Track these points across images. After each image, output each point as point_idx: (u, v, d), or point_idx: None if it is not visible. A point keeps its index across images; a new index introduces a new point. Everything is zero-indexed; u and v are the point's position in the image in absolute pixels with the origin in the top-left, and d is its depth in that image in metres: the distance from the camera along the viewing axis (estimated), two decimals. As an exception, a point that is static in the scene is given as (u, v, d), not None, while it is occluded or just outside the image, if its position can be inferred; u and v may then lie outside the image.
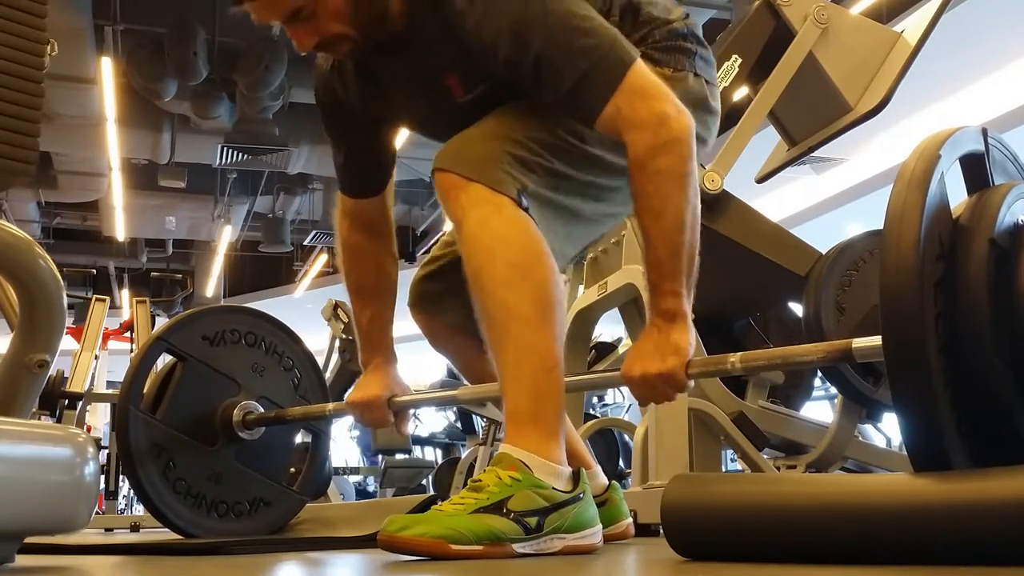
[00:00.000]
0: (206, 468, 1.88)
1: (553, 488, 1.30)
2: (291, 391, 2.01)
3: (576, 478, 1.35)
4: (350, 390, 1.73)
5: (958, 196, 1.11)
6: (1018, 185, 1.10)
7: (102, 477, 5.04)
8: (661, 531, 1.63)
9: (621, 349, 3.86)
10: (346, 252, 1.75)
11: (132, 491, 1.84)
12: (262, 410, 1.93)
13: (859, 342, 1.12)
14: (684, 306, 1.36)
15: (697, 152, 1.40)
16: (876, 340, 1.02)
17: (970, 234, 1.02)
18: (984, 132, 1.13)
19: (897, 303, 0.94)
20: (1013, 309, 0.99)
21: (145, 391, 1.90)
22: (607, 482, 1.67)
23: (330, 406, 1.85)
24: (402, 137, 8.89)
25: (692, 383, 1.36)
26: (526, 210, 1.38)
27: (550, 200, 1.43)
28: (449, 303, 1.67)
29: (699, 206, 1.38)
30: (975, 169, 1.12)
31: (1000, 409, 1.00)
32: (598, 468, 1.68)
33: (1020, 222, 1.06)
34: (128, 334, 6.41)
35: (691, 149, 1.36)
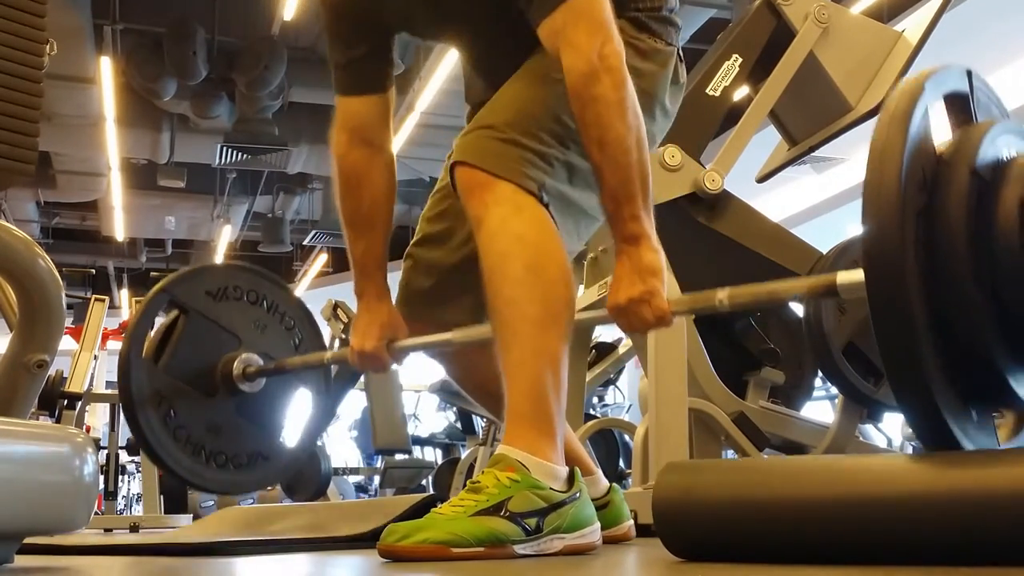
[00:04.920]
0: (206, 418, 1.89)
1: (551, 488, 1.30)
2: (292, 351, 2.00)
3: (572, 478, 1.35)
4: (350, 333, 1.71)
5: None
6: (1002, 122, 1.10)
7: (101, 477, 5.04)
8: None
9: (621, 349, 3.85)
10: (343, 177, 1.70)
11: (132, 437, 1.84)
12: (262, 364, 1.94)
13: (843, 276, 1.14)
14: (646, 227, 1.38)
15: (661, 123, 1.50)
16: (859, 274, 1.03)
17: (952, 166, 1.02)
18: (969, 72, 1.12)
19: (879, 231, 0.95)
20: (993, 242, 0.99)
21: (148, 342, 1.90)
22: (608, 485, 1.67)
23: (327, 355, 1.87)
24: (401, 138, 8.84)
25: (676, 318, 1.39)
26: (547, 206, 1.40)
27: (564, 196, 1.45)
28: (446, 300, 1.66)
29: (643, 128, 1.39)
30: (959, 108, 1.12)
31: (979, 336, 1.00)
32: (600, 473, 1.68)
33: (1003, 157, 1.06)
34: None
35: (623, 76, 1.37)
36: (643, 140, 1.39)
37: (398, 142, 7.93)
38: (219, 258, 13.03)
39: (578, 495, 1.34)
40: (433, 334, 1.68)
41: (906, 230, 0.95)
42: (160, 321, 1.95)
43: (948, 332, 0.97)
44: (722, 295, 1.29)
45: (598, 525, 1.39)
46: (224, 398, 1.89)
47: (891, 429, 3.82)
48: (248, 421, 1.94)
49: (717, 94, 2.57)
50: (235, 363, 1.89)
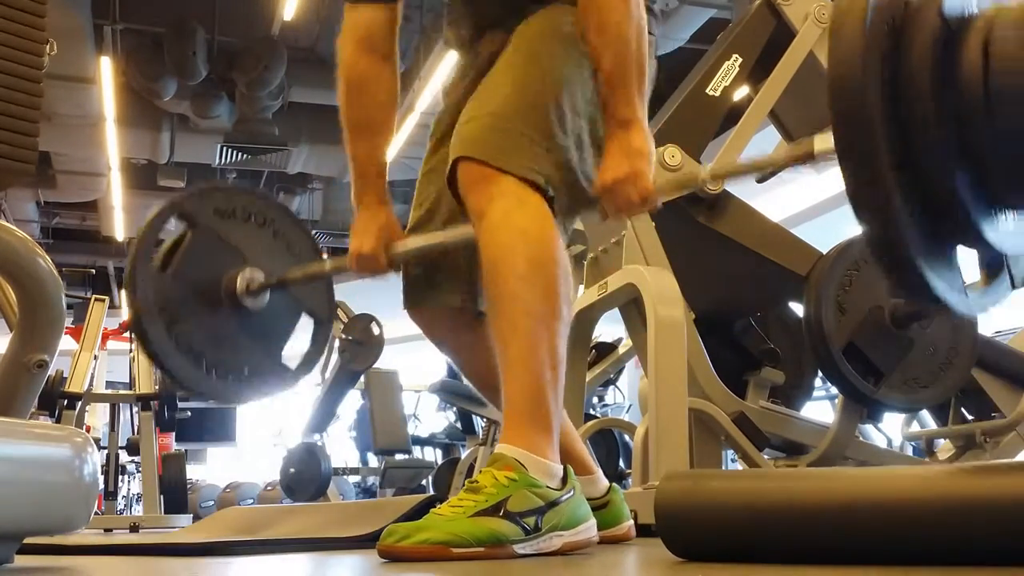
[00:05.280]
0: (208, 329, 1.89)
1: (547, 487, 1.31)
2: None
3: (566, 475, 1.36)
4: (349, 238, 1.74)
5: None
6: None
7: (101, 477, 5.04)
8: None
9: (621, 349, 3.85)
10: (349, 85, 1.70)
11: (136, 343, 1.86)
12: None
13: (819, 143, 1.19)
14: (638, 112, 1.43)
15: None
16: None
17: (920, 11, 1.03)
18: None
19: (843, 69, 0.96)
20: (958, 87, 1.00)
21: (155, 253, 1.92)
22: (608, 485, 1.67)
23: (328, 265, 1.88)
24: (401, 138, 8.81)
25: (660, 202, 1.44)
26: (551, 200, 1.41)
27: (563, 181, 1.46)
28: (441, 284, 1.67)
29: (644, 19, 1.44)
30: None
31: (944, 178, 1.01)
32: (600, 473, 1.68)
33: (969, 12, 1.06)
34: (127, 334, 6.42)
35: None
36: (643, 31, 1.43)
37: (398, 142, 7.93)
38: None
39: (573, 492, 1.35)
40: (437, 320, 1.71)
41: (870, 69, 0.96)
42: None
43: (914, 173, 0.99)
44: (704, 173, 1.34)
45: (594, 521, 1.40)
46: (227, 312, 1.91)
47: (891, 429, 3.81)
48: (249, 337, 1.94)
49: (717, 94, 2.57)
50: (239, 278, 1.90)
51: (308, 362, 2.07)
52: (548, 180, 1.41)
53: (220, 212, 1.93)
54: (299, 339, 2.06)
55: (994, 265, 1.12)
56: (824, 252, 2.61)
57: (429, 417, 8.89)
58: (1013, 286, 1.14)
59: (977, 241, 1.03)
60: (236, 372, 1.92)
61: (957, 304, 1.04)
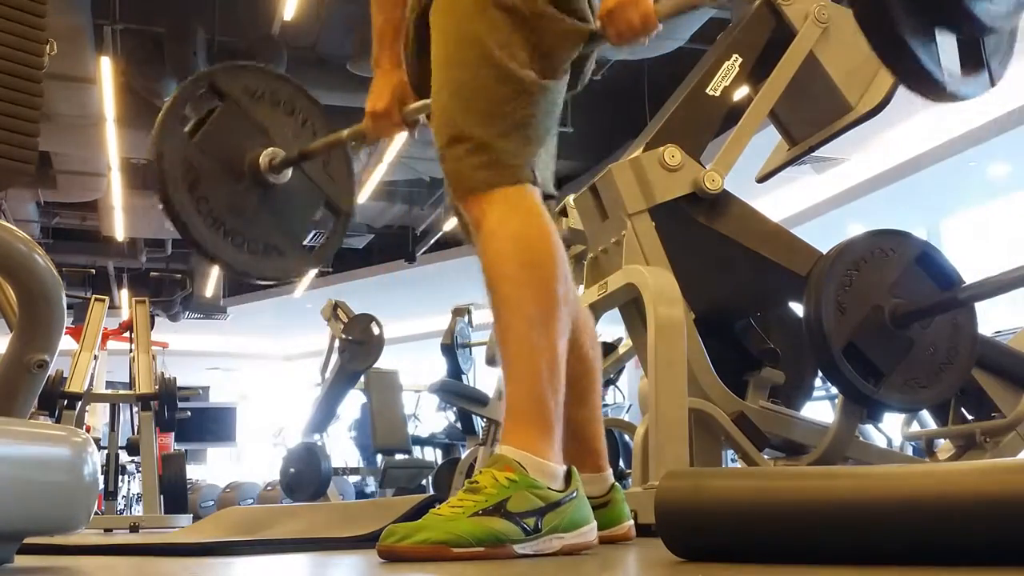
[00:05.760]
0: (229, 198, 1.93)
1: (548, 488, 1.31)
2: (320, 166, 2.04)
3: (569, 476, 1.36)
4: (367, 98, 1.79)
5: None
6: None
7: (101, 477, 5.04)
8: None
9: (621, 349, 3.85)
10: None
11: (161, 206, 1.93)
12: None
13: None
14: None
15: None
16: None
17: None
18: None
19: None
20: None
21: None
22: (611, 483, 1.67)
23: (346, 132, 1.92)
24: (401, 138, 8.80)
25: (660, 27, 1.48)
26: (542, 189, 1.45)
27: (541, 141, 1.49)
28: None
29: None
30: None
31: None
32: (608, 472, 1.68)
33: None
34: (127, 334, 6.42)
35: None
36: None
37: (398, 142, 7.91)
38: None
39: (575, 494, 1.35)
40: None
41: None
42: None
43: None
44: None
45: (594, 524, 1.40)
46: (250, 185, 1.94)
47: (891, 429, 3.82)
48: (269, 213, 1.98)
49: (717, 94, 2.57)
50: (263, 153, 1.93)
51: (324, 249, 2.11)
52: (533, 165, 1.44)
53: (251, 92, 1.97)
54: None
55: (973, 54, 1.16)
56: (824, 252, 2.61)
57: (429, 417, 8.89)
58: (992, 83, 1.17)
59: (959, 16, 1.08)
60: (252, 244, 1.95)
61: (935, 73, 1.08)
